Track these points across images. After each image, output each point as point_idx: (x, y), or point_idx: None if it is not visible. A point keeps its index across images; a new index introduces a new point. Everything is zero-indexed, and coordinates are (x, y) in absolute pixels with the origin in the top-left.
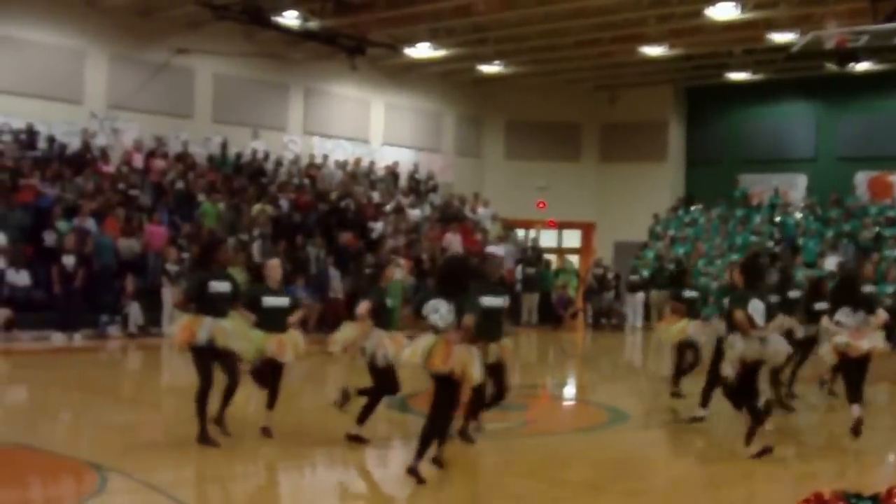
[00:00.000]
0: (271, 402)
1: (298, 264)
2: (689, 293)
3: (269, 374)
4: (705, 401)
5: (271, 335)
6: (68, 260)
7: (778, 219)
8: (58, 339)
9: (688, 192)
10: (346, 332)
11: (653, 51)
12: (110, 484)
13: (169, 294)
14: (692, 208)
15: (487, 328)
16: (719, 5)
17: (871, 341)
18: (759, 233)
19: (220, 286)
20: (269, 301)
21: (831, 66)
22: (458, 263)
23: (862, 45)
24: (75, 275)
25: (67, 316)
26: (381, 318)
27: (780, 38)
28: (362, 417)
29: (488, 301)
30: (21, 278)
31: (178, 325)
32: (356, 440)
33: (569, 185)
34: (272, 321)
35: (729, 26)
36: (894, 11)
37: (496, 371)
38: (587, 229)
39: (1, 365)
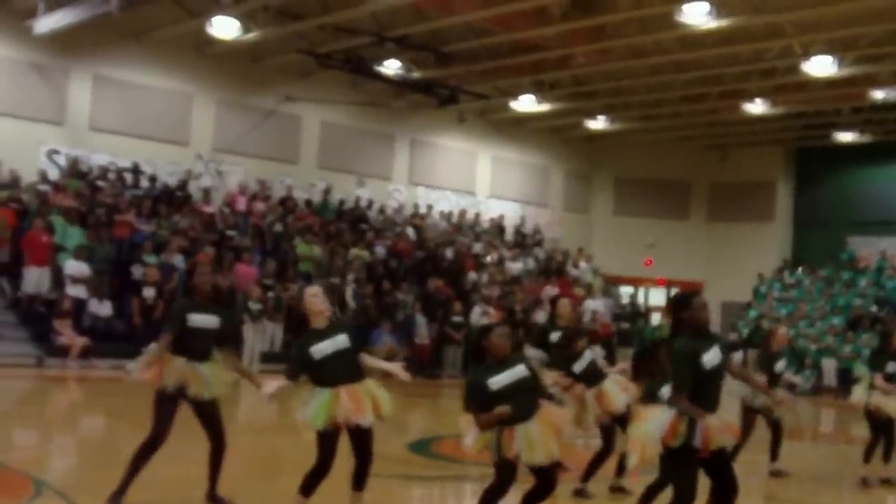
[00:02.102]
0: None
1: (384, 309)
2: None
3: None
4: None
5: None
6: (149, 292)
7: (884, 283)
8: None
9: (795, 254)
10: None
11: (757, 108)
12: None
13: (250, 331)
14: (798, 270)
15: None
16: (815, 60)
17: None
18: (864, 296)
19: (201, 320)
20: (321, 349)
21: None
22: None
23: None
24: (155, 307)
25: (144, 346)
26: None
27: (882, 94)
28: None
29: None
30: (103, 309)
31: (143, 359)
32: None
33: (676, 243)
34: (331, 370)
35: (831, 83)
36: None
37: None
38: (695, 288)
39: (73, 390)
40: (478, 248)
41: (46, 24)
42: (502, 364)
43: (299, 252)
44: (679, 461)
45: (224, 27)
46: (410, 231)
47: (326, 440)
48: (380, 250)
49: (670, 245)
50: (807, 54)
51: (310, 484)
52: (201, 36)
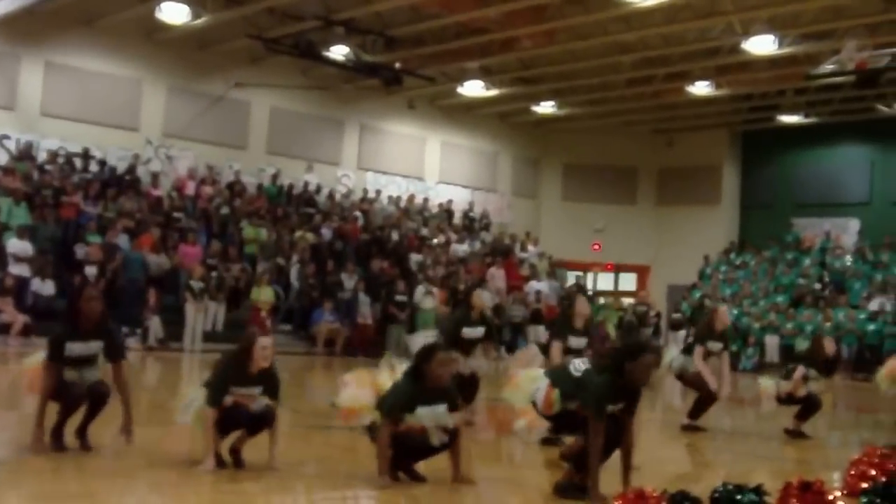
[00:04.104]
0: None
1: (327, 289)
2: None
3: None
4: None
5: None
6: (90, 270)
7: (828, 262)
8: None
9: (741, 236)
10: None
11: (702, 90)
12: None
13: (191, 309)
14: (743, 251)
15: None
16: (756, 38)
17: None
18: (807, 275)
19: (81, 349)
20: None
21: (884, 109)
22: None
23: (884, 66)
24: (96, 286)
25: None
26: None
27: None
28: None
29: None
30: (46, 288)
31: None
32: None
33: (625, 227)
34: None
35: (773, 62)
36: None
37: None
38: (642, 272)
39: (13, 368)
40: (425, 232)
41: None
42: (433, 394)
43: (246, 235)
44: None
45: (173, 13)
46: (358, 215)
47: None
48: (326, 232)
49: (618, 230)
50: (748, 33)
51: None
52: (151, 22)
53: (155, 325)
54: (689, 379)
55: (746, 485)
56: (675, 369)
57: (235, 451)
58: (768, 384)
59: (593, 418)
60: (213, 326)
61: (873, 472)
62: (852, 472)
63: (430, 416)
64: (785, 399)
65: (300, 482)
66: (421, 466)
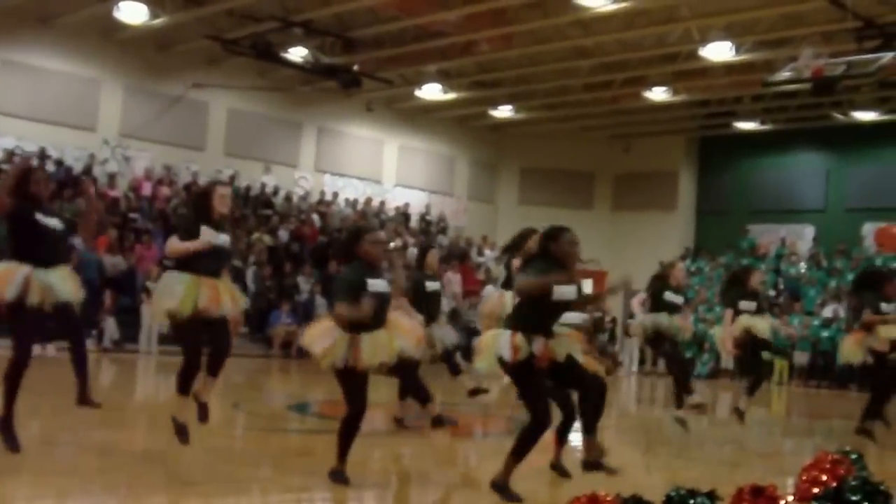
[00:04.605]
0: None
1: (284, 291)
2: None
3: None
4: None
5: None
6: None
7: (783, 268)
8: None
9: (697, 242)
10: None
11: (659, 96)
12: None
13: (148, 311)
14: (699, 257)
15: None
16: (714, 45)
17: None
18: (762, 282)
19: (48, 221)
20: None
21: (840, 117)
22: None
23: (840, 74)
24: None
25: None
26: None
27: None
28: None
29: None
30: None
31: None
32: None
33: (581, 232)
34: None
35: (730, 69)
36: (878, 46)
37: None
38: (599, 277)
39: None
40: (382, 235)
41: None
42: (374, 270)
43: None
44: (525, 378)
45: (132, 12)
46: (315, 218)
47: (189, 331)
48: (283, 234)
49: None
50: (705, 39)
51: (184, 381)
52: (109, 21)
53: (111, 326)
54: (663, 351)
55: (699, 489)
56: (648, 328)
57: (201, 403)
58: (717, 331)
59: (538, 287)
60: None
61: (825, 478)
62: (804, 478)
63: (381, 286)
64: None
65: (256, 484)
66: (383, 467)
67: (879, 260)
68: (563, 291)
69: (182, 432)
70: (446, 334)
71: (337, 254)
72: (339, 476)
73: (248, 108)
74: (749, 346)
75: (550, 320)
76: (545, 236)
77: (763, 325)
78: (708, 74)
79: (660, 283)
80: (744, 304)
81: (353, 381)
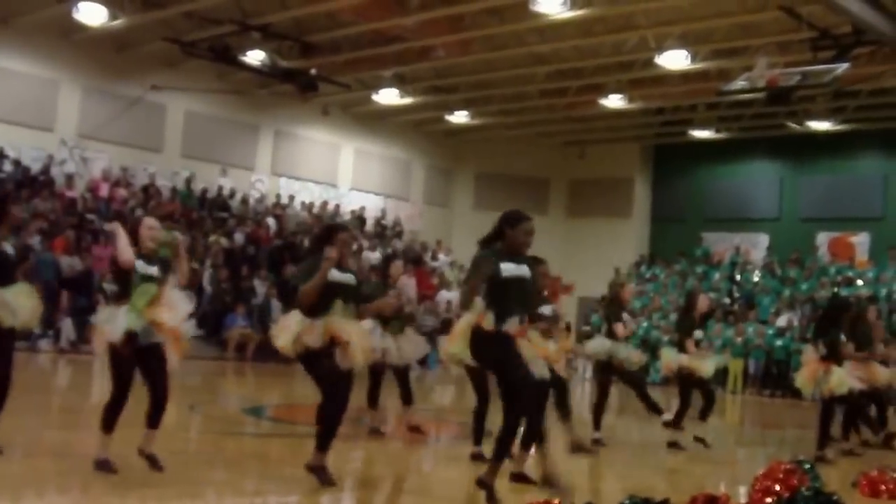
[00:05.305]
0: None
1: (240, 294)
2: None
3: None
4: None
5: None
6: None
7: (737, 277)
8: None
9: (652, 249)
10: None
11: (614, 103)
12: None
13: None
14: (653, 264)
15: None
16: (669, 53)
17: None
18: (717, 289)
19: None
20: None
21: (795, 126)
22: None
23: (794, 83)
24: None
25: None
26: None
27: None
28: None
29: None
30: None
31: None
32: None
33: (536, 238)
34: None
35: (685, 77)
36: (833, 57)
37: None
38: (553, 283)
39: None
40: (353, 235)
41: None
42: (339, 265)
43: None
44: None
45: (91, 13)
46: (271, 221)
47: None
48: (239, 237)
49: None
50: (661, 48)
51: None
52: (68, 22)
53: (67, 327)
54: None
55: (653, 498)
56: (603, 353)
57: (148, 455)
58: (670, 354)
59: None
60: None
61: (778, 488)
62: (757, 487)
63: (347, 279)
64: (685, 375)
65: (210, 488)
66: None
67: (833, 269)
68: (510, 269)
69: (105, 466)
70: (409, 347)
71: (311, 246)
72: (320, 472)
73: (205, 111)
74: (687, 381)
75: None
76: (504, 219)
77: (707, 368)
78: (663, 82)
79: (615, 306)
80: (697, 334)
81: (319, 363)
